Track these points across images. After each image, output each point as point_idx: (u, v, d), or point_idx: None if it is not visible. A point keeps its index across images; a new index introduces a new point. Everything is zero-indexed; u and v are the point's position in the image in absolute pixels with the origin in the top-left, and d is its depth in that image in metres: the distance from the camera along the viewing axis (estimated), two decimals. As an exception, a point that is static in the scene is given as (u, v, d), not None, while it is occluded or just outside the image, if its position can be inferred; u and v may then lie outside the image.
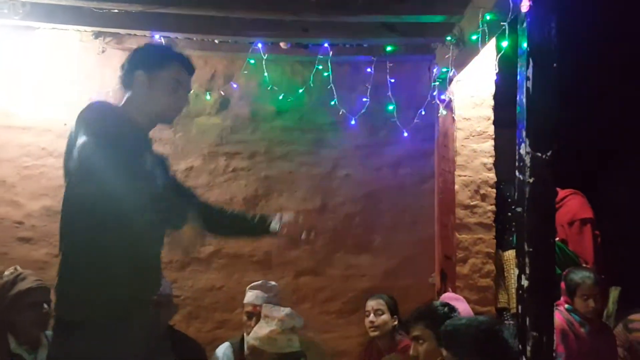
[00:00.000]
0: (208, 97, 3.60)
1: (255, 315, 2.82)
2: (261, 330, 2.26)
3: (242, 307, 3.12)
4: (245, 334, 2.97)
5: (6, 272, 2.56)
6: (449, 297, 2.85)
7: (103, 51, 3.43)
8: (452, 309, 2.26)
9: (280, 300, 3.05)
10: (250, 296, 2.98)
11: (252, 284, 3.07)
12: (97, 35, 3.37)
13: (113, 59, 3.45)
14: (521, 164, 1.94)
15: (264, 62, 3.39)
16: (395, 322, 3.05)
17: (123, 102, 1.78)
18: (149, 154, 1.74)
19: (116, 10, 2.93)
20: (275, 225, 1.82)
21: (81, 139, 1.55)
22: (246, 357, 2.31)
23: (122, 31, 3.26)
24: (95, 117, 1.60)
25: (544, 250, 1.88)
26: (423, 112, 3.45)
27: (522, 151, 1.94)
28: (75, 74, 3.47)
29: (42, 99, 3.44)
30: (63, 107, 3.39)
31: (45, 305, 2.49)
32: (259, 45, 3.33)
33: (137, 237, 1.62)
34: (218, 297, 3.61)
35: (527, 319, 1.83)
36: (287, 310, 2.34)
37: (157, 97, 1.74)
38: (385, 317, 3.04)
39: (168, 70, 1.75)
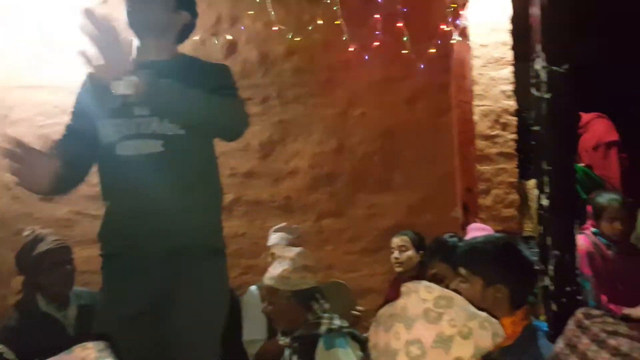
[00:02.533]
0: (215, 41, 3.52)
1: (280, 256, 2.84)
2: (275, 270, 2.29)
3: (267, 251, 3.15)
4: (270, 276, 3.00)
5: (24, 233, 2.55)
6: (475, 227, 2.80)
7: (104, 1, 3.37)
8: (460, 238, 2.24)
9: (304, 243, 3.06)
10: (275, 238, 3.00)
11: (275, 227, 3.09)
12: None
13: (117, 9, 3.38)
14: (537, 79, 1.85)
15: (269, 1, 3.27)
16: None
17: None
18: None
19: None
20: None
21: None
22: (263, 297, 2.34)
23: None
24: None
25: (563, 168, 1.82)
26: (439, 42, 3.31)
27: (537, 66, 1.85)
28: (81, 28, 3.43)
29: (51, 56, 3.42)
30: (71, 62, 3.36)
31: (68, 265, 2.51)
32: (263, -17, 3.21)
33: None
34: (242, 244, 3.65)
35: (549, 239, 1.78)
36: (298, 249, 2.36)
37: None
38: (410, 253, 3.03)
39: None
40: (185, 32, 1.76)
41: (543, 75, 1.82)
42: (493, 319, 1.17)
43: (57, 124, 3.46)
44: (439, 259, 2.17)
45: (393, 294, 3.17)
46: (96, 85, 1.70)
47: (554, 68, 1.80)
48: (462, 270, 1.66)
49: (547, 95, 1.81)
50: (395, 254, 3.06)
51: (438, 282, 2.16)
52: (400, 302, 1.12)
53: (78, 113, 1.73)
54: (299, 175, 3.66)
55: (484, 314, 1.15)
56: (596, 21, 3.62)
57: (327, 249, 3.62)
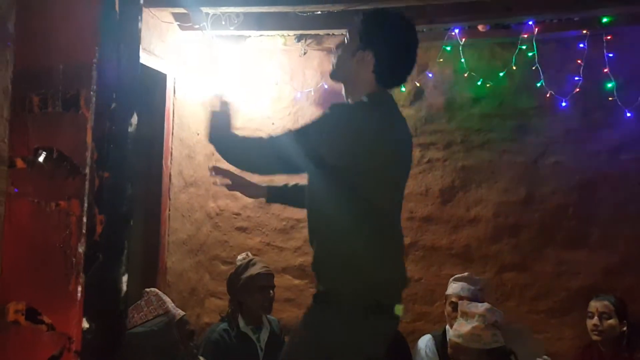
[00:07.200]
0: (402, 89, 3.58)
1: (461, 306, 2.73)
2: (462, 327, 2.19)
3: (443, 299, 3.06)
4: (447, 326, 2.90)
5: (239, 257, 2.84)
6: None
7: (304, 53, 3.63)
8: None
9: (485, 295, 2.91)
10: (456, 287, 2.90)
11: (456, 276, 2.99)
12: (299, 38, 3.58)
13: (313, 60, 3.65)
14: None
15: (460, 48, 3.26)
16: (625, 328, 2.70)
17: None
18: None
19: (319, 12, 3.07)
20: None
21: None
22: (450, 354, 2.24)
23: (322, 32, 3.42)
24: None
25: None
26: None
27: None
28: (280, 76, 3.73)
29: (252, 101, 3.77)
30: (270, 107, 3.66)
31: (271, 291, 2.70)
32: (456, 30, 3.21)
33: None
34: (417, 289, 3.59)
35: None
36: (486, 304, 2.24)
37: None
38: (612, 321, 2.70)
39: None
40: (379, 71, 1.74)
41: None
42: None
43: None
44: None
45: (584, 364, 2.85)
46: None
47: None
48: None
49: None
50: (595, 320, 2.74)
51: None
52: None
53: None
54: (481, 224, 3.51)
55: None
56: None
57: (509, 305, 3.38)
